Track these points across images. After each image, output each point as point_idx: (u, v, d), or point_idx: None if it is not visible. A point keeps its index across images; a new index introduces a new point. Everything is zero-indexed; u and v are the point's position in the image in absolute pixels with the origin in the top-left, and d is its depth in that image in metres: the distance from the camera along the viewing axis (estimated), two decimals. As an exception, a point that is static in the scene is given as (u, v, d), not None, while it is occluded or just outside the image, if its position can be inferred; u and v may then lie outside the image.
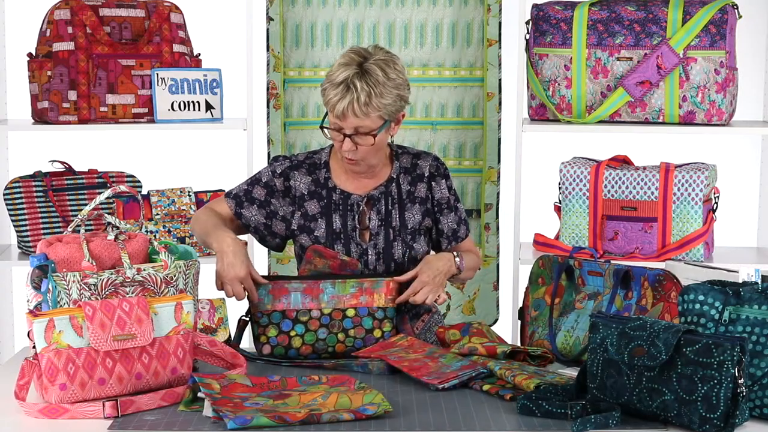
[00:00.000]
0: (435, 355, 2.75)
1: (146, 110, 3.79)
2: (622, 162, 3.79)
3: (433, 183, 3.10)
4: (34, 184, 3.83)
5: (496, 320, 4.24)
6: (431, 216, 3.10)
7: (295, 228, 3.04)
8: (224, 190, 3.92)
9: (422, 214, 3.07)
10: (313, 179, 3.05)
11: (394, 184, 3.07)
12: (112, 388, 2.45)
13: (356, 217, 3.03)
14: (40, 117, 3.77)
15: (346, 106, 2.88)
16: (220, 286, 2.89)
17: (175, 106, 3.80)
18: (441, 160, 3.14)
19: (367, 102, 2.88)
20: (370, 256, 3.02)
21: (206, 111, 3.85)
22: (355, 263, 2.95)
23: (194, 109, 3.83)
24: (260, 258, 4.12)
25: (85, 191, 3.89)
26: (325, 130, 2.97)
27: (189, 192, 3.85)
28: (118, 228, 2.66)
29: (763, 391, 2.34)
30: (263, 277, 2.92)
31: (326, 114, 2.98)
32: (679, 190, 3.63)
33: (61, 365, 2.40)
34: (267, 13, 4.12)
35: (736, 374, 2.21)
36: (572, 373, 2.64)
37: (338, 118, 2.91)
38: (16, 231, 3.84)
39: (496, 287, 4.24)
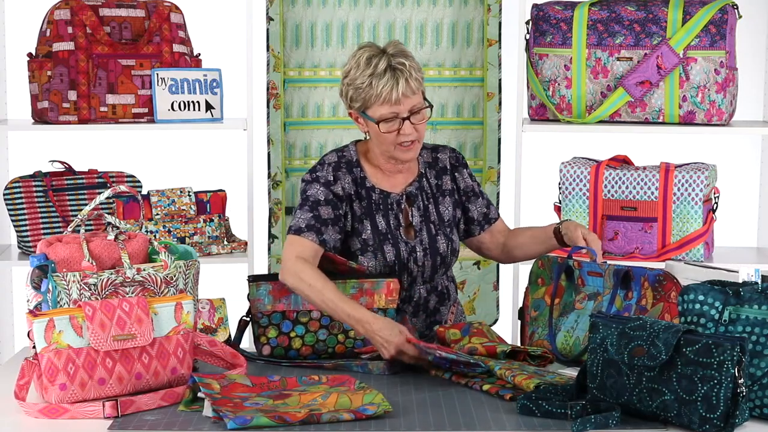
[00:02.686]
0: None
1: (146, 110, 3.79)
2: (622, 162, 3.80)
3: (456, 174, 3.11)
4: (34, 184, 3.83)
5: (496, 320, 4.24)
6: (460, 207, 3.10)
7: (349, 229, 2.99)
8: (224, 191, 3.92)
9: (453, 206, 3.08)
10: (353, 178, 3.01)
11: (424, 179, 3.07)
12: (112, 388, 2.45)
13: (398, 215, 3.03)
14: (40, 117, 3.77)
15: (404, 88, 2.90)
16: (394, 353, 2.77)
17: (175, 106, 3.80)
18: (457, 150, 3.15)
19: (417, 77, 2.93)
20: (418, 253, 3.00)
21: (206, 111, 3.85)
22: (363, 270, 2.94)
23: (194, 109, 3.83)
24: (260, 257, 4.12)
25: (85, 191, 3.89)
26: (380, 125, 2.92)
27: (189, 192, 3.85)
28: (118, 228, 2.66)
29: (763, 391, 2.34)
30: (263, 276, 2.91)
31: (353, 111, 2.97)
32: (679, 190, 3.63)
33: (61, 365, 2.40)
34: (267, 13, 4.12)
35: (736, 374, 2.21)
36: (572, 373, 2.64)
37: (396, 103, 2.90)
38: (16, 231, 3.84)
39: (496, 287, 4.25)
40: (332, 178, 2.97)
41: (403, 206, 3.03)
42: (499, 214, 3.17)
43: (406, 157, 2.98)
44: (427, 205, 3.05)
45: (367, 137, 3.02)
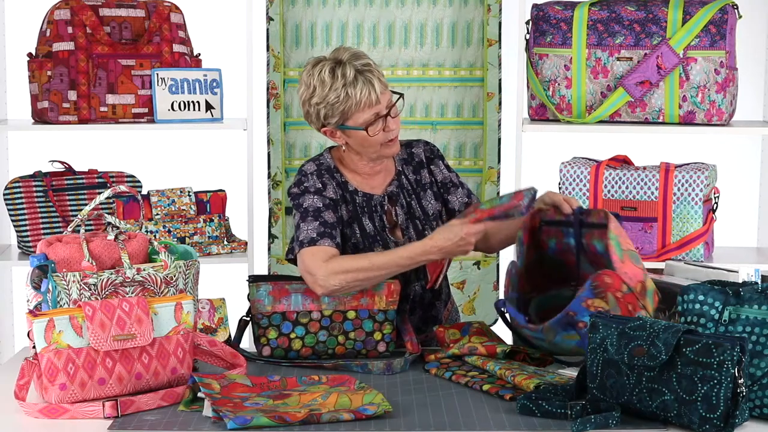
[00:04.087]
0: (478, 208, 2.81)
1: (146, 110, 3.79)
2: (622, 162, 3.80)
3: (432, 167, 3.11)
4: (34, 184, 3.83)
5: (497, 320, 4.24)
6: (440, 199, 3.10)
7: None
8: (224, 191, 3.92)
9: (435, 199, 3.08)
10: (336, 183, 3.00)
11: (403, 177, 3.07)
12: (112, 388, 2.45)
13: (383, 216, 3.02)
14: (40, 117, 3.77)
15: (379, 87, 2.90)
16: (470, 245, 2.83)
17: (175, 106, 3.80)
18: (431, 142, 3.15)
19: (380, 73, 2.93)
20: None
21: (206, 111, 3.85)
22: None
23: (194, 109, 3.83)
24: (260, 257, 4.12)
25: (85, 191, 3.89)
26: (369, 129, 2.91)
27: (189, 192, 3.85)
28: (118, 228, 2.66)
29: (763, 391, 2.34)
30: (264, 277, 2.91)
31: (329, 128, 2.95)
32: (679, 190, 3.63)
33: (61, 365, 2.40)
34: (267, 13, 4.12)
35: (736, 374, 2.21)
36: (572, 373, 2.64)
37: (377, 103, 2.90)
38: (16, 231, 3.84)
39: (496, 287, 4.24)
40: (321, 185, 2.95)
41: (386, 207, 3.03)
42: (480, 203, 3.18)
43: (392, 152, 2.98)
44: (409, 202, 3.05)
45: (344, 149, 3.01)
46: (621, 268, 2.60)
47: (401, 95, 2.96)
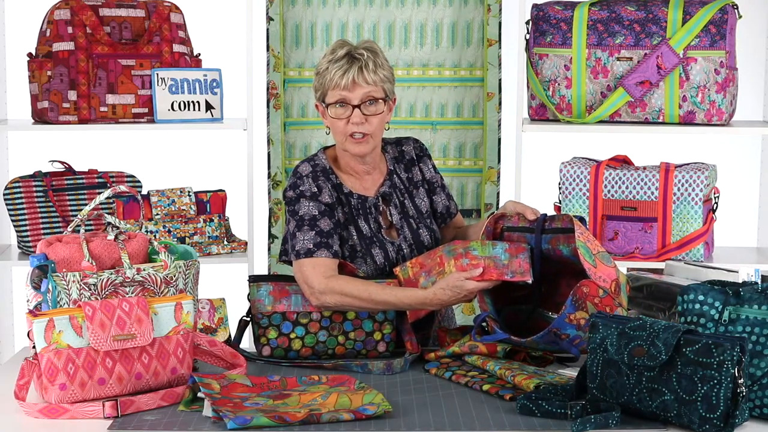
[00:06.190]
0: (470, 252, 2.80)
1: (146, 110, 3.79)
2: (622, 162, 3.80)
3: (421, 164, 3.12)
4: (34, 184, 3.83)
5: (496, 320, 4.23)
6: (429, 197, 3.11)
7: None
8: (224, 191, 3.92)
9: (427, 195, 3.09)
10: (332, 185, 2.98)
11: (395, 176, 3.07)
12: (112, 388, 2.45)
13: (378, 218, 3.02)
14: (40, 117, 3.77)
15: (355, 74, 2.90)
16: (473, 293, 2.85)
17: (175, 106, 3.80)
18: (420, 141, 3.16)
19: (374, 69, 2.91)
20: (405, 251, 3.00)
21: (206, 111, 3.85)
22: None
23: (194, 109, 3.83)
24: (260, 257, 4.12)
25: (85, 191, 3.89)
26: (329, 108, 2.93)
27: (189, 192, 3.85)
28: (118, 228, 2.66)
29: (763, 391, 2.34)
30: (264, 277, 2.91)
31: (318, 103, 2.98)
32: (679, 190, 3.63)
33: (61, 365, 2.40)
34: (267, 13, 4.12)
35: (736, 374, 2.21)
36: (572, 373, 2.64)
37: (346, 89, 2.90)
38: (16, 231, 3.84)
39: (496, 287, 4.24)
40: (316, 189, 2.94)
41: (381, 208, 3.03)
42: (457, 209, 3.18)
43: (355, 151, 2.96)
44: (403, 201, 3.05)
45: (327, 132, 3.02)
46: (595, 274, 2.62)
47: (391, 99, 2.97)
